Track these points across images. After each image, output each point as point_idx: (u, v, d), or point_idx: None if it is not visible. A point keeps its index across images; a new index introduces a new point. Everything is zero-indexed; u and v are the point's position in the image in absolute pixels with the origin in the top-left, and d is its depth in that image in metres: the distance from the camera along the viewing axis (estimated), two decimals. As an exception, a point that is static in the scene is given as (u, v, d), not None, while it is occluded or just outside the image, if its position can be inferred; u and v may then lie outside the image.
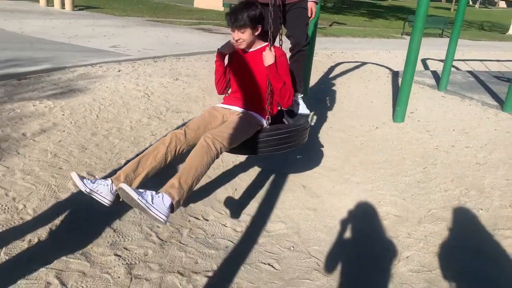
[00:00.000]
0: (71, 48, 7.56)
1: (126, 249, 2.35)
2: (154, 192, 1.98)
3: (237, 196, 3.14)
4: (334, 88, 6.73)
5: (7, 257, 2.15)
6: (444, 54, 6.95)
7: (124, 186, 1.93)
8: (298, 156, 3.88)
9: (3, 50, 6.74)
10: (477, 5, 65.21)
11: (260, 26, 2.49)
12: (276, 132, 2.57)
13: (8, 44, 7.23)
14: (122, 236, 2.46)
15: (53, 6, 14.06)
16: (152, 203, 1.93)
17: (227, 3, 15.73)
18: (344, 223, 2.90)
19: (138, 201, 1.91)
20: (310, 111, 3.18)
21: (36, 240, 2.30)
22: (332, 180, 3.53)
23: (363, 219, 3.01)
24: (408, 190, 3.41)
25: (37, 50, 7.04)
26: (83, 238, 2.39)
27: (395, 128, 4.96)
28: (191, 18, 15.05)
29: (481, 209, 3.12)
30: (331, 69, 8.18)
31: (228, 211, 2.92)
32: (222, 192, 3.15)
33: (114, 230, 2.50)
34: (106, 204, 2.06)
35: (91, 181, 2.04)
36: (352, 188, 3.41)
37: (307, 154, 4.00)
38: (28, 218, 2.49)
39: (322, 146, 4.23)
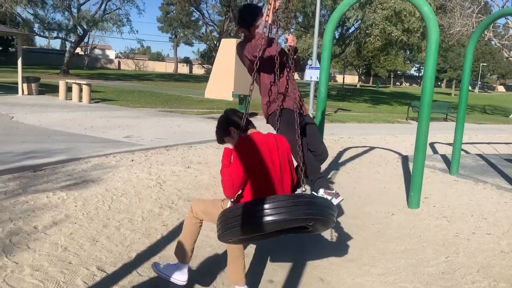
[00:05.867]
0: (86, 139, 7.80)
1: None
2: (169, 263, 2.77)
3: (252, 291, 2.98)
4: (344, 173, 6.73)
5: None
6: (450, 137, 7.04)
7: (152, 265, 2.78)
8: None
9: (21, 142, 6.97)
10: (476, 90, 67.75)
11: (231, 128, 2.76)
12: (229, 211, 2.45)
13: (26, 137, 7.51)
14: None
15: (71, 99, 14.85)
16: (165, 270, 2.69)
17: (236, 93, 16.51)
18: (368, 321, 2.69)
19: (156, 272, 2.74)
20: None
21: None
22: (351, 272, 3.36)
23: (388, 316, 2.80)
24: (433, 282, 3.21)
25: (53, 142, 7.28)
26: None
27: (411, 214, 4.84)
28: (202, 108, 15.69)
29: (515, 303, 2.90)
30: (340, 154, 8.26)
31: (243, 309, 2.74)
32: None
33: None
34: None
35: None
36: (373, 280, 3.23)
37: (323, 243, 3.87)
38: (33, 320, 2.36)
39: (338, 234, 4.11)
